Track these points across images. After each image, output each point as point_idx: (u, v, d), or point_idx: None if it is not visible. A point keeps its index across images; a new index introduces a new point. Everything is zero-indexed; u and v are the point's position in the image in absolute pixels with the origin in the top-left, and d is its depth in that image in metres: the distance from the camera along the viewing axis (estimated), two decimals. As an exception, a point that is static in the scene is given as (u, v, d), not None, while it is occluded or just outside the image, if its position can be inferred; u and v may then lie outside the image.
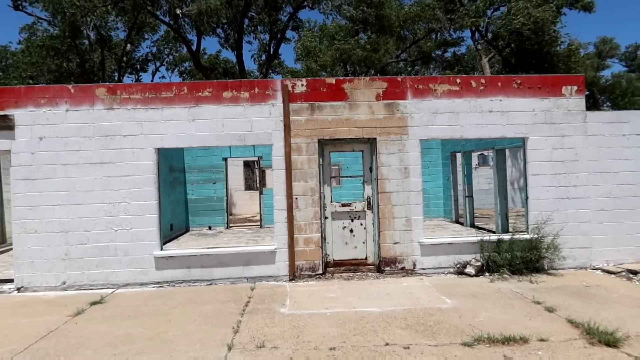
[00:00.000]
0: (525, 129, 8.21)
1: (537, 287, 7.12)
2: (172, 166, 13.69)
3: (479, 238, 8.18)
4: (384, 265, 8.03)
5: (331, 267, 8.19)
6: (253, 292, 7.30)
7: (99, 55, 23.08)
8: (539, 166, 8.22)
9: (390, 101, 8.07)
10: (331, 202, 8.22)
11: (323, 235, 8.09)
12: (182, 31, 22.41)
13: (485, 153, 19.85)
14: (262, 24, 24.72)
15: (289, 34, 24.94)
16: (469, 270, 7.88)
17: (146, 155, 7.85)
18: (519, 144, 9.33)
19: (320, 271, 7.98)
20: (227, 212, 15.24)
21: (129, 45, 24.65)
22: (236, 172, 20.80)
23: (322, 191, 8.09)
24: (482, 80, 8.21)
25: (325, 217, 8.18)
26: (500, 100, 8.19)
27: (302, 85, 8.01)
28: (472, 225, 13.71)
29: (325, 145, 8.20)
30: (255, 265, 7.90)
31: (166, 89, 7.91)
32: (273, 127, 7.94)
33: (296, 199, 7.95)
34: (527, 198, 8.34)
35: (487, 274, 7.94)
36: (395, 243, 8.04)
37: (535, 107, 8.23)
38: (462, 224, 14.29)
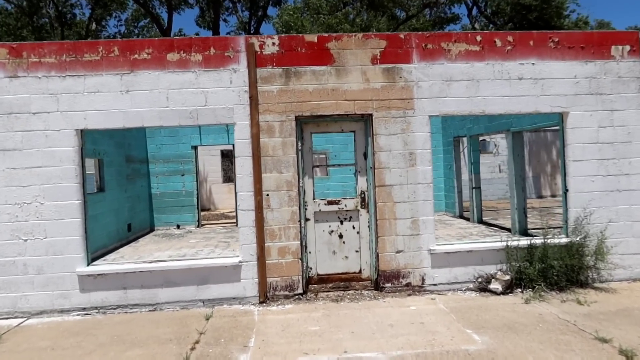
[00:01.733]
0: (564, 102, 6.32)
1: (591, 312, 5.28)
2: (129, 156, 11.63)
3: (504, 243, 6.31)
4: (384, 281, 6.14)
5: (315, 285, 6.27)
6: (208, 323, 5.37)
7: (59, 35, 20.75)
8: (582, 150, 6.36)
9: (390, 65, 6.13)
10: (314, 199, 6.28)
11: (303, 243, 6.17)
12: (151, 7, 20.16)
13: (488, 139, 18.03)
14: (241, 1, 22.53)
15: (271, 11, 22.81)
16: (495, 286, 6.02)
17: (64, 140, 5.83)
18: (552, 123, 7.46)
19: (300, 290, 6.07)
20: (197, 208, 13.24)
21: (94, 24, 22.32)
22: (213, 163, 18.75)
23: (301, 185, 6.15)
24: (509, 38, 6.29)
25: (307, 219, 6.25)
26: (533, 64, 6.29)
27: (274, 44, 6.02)
28: (480, 221, 11.89)
29: (305, 124, 6.24)
30: (213, 283, 5.96)
31: (90, 49, 5.87)
32: (235, 100, 5.96)
33: (267, 195, 6.01)
34: (565, 191, 6.48)
35: (517, 290, 6.10)
36: (398, 252, 6.15)
37: (576, 73, 6.34)
38: (467, 219, 12.46)
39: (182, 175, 13.14)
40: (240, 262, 5.97)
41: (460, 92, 6.20)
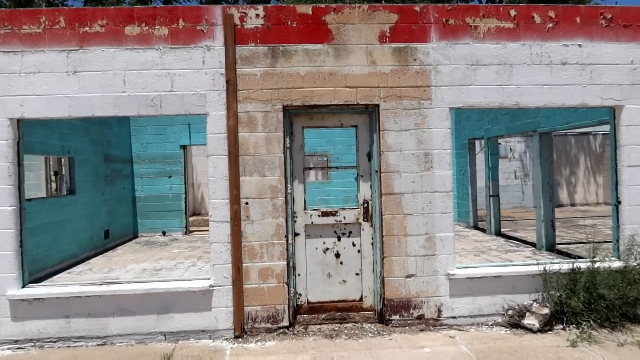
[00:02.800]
0: (618, 93, 5.10)
1: (662, 363, 4.05)
2: (109, 155, 10.50)
3: (540, 267, 5.08)
4: (391, 312, 4.93)
5: (304, 315, 5.07)
6: (165, 367, 4.19)
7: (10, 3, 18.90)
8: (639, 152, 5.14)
9: (402, 45, 4.94)
10: (305, 209, 5.09)
11: (291, 264, 4.97)
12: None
13: (503, 142, 16.76)
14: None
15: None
16: (531, 321, 4.79)
17: (-5, 131, 4.69)
18: (593, 122, 6.25)
19: (286, 322, 4.87)
20: (186, 213, 12.09)
21: None
22: (206, 165, 17.60)
23: (289, 191, 4.96)
24: (551, 13, 5.08)
25: (296, 234, 5.05)
26: (580, 45, 5.08)
27: (258, 16, 4.85)
28: (499, 233, 10.64)
29: (295, 116, 5.06)
30: (178, 312, 4.78)
31: (30, 19, 4.73)
32: (208, 84, 4.79)
33: (247, 204, 4.82)
34: (617, 203, 5.25)
35: (558, 326, 4.87)
36: (408, 276, 4.94)
37: (634, 58, 5.12)
38: (483, 230, 11.22)
39: (169, 177, 12.00)
40: (211, 286, 4.78)
41: (489, 78, 5.00)
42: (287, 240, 4.89)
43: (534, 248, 8.81)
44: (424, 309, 4.96)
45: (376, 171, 5.01)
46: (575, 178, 17.18)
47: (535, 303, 4.95)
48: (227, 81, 4.76)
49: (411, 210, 4.94)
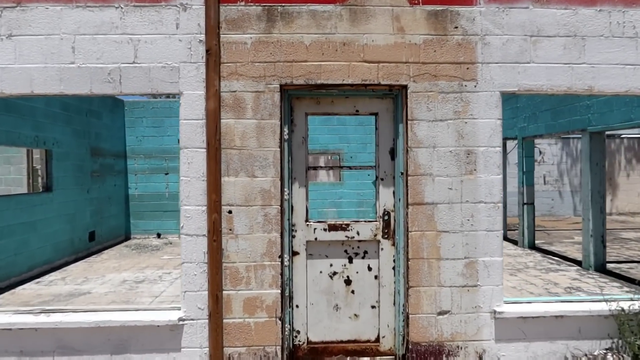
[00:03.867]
0: None
1: None
2: (96, 148, 9.46)
3: (613, 305, 3.84)
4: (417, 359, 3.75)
5: (303, 357, 3.90)
6: None
7: None
8: None
9: (439, 7, 3.74)
10: (307, 220, 3.91)
11: (287, 292, 3.81)
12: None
13: (543, 146, 15.40)
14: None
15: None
16: (606, 381, 3.57)
17: None
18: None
19: (279, 369, 3.71)
20: (183, 214, 11.00)
21: None
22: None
23: (286, 197, 3.80)
24: (639, -31, 3.84)
25: (294, 253, 3.88)
26: (676, 12, 3.83)
27: (250, -33, 3.70)
28: (533, 246, 9.37)
29: (296, 99, 3.89)
30: (137, 353, 3.66)
31: (-45, -33, 3.64)
32: (182, 55, 3.65)
33: (230, 213, 3.67)
34: None
35: (642, 388, 3.63)
36: (441, 313, 3.74)
37: None
38: (514, 242, 9.95)
39: (166, 174, 10.96)
40: (181, 319, 3.64)
41: (554, 54, 3.78)
42: (282, 262, 3.73)
43: (578, 267, 7.53)
44: (461, 356, 3.76)
45: (402, 173, 3.83)
46: (612, 184, 15.72)
47: (609, 354, 3.72)
48: (207, 51, 3.61)
49: (446, 225, 3.75)
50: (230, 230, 3.70)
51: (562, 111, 7.89)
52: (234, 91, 3.67)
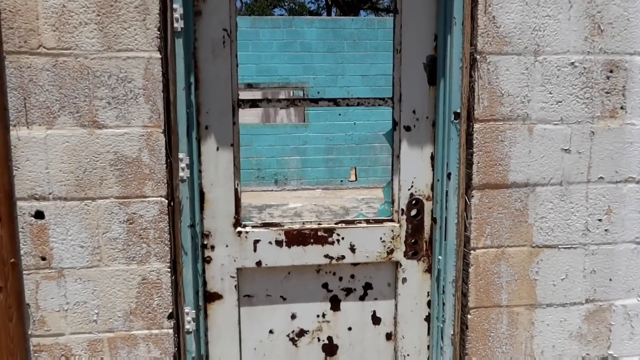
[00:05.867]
0: None
1: None
2: None
3: None
4: None
5: None
6: None
7: None
8: None
9: None
10: (238, 220, 1.71)
11: (193, 390, 1.67)
12: None
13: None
14: None
15: None
16: None
17: None
18: None
19: None
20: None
21: None
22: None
23: (183, 173, 1.56)
24: None
25: (210, 297, 1.71)
26: None
27: None
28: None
29: None
30: None
31: None
32: None
33: (38, 217, 1.42)
34: None
35: None
36: (530, 417, 1.74)
37: None
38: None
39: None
40: None
41: None
42: (177, 324, 1.57)
43: None
44: None
45: (456, 115, 1.66)
46: None
47: None
48: None
49: (553, 233, 1.68)
50: (44, 258, 1.46)
51: None
52: None
